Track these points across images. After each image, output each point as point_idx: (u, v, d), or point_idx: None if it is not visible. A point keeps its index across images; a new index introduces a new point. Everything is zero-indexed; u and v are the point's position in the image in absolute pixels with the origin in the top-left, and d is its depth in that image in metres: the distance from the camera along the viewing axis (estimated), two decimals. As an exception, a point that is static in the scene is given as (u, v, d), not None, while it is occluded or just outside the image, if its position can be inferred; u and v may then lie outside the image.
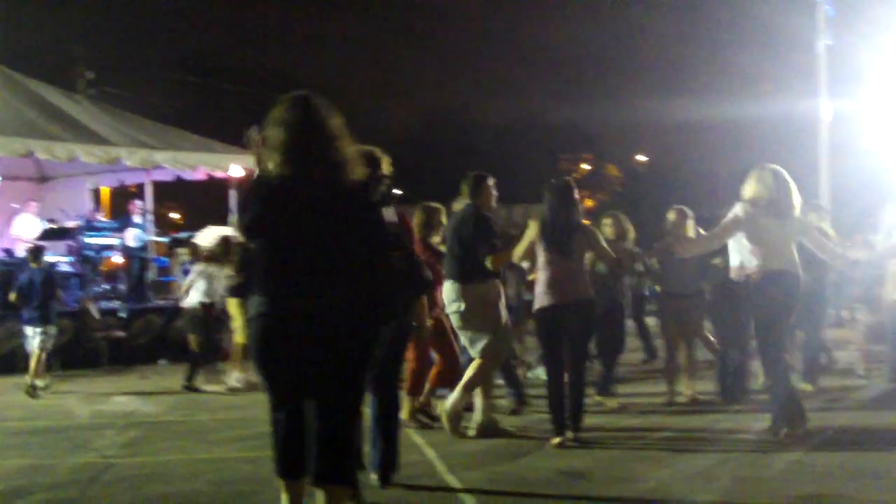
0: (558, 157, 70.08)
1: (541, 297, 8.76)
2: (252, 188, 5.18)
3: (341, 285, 5.04)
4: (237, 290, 12.79)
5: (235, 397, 12.50)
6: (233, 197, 21.60)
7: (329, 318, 5.00)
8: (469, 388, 9.04)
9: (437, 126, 69.06)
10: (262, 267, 5.14)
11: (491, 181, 9.21)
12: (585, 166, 72.14)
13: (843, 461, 7.68)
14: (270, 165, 5.11)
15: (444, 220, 10.09)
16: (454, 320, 9.19)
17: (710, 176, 64.94)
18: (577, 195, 8.93)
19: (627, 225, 11.35)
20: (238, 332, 13.22)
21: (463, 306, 9.01)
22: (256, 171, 5.21)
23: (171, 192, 36.27)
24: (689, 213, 10.85)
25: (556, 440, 8.45)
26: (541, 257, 8.81)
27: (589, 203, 61.77)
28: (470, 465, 7.82)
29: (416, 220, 9.83)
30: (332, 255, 5.05)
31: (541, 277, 8.82)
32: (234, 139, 23.62)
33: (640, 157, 70.11)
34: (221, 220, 18.42)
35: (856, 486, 6.83)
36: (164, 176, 21.81)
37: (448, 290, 9.15)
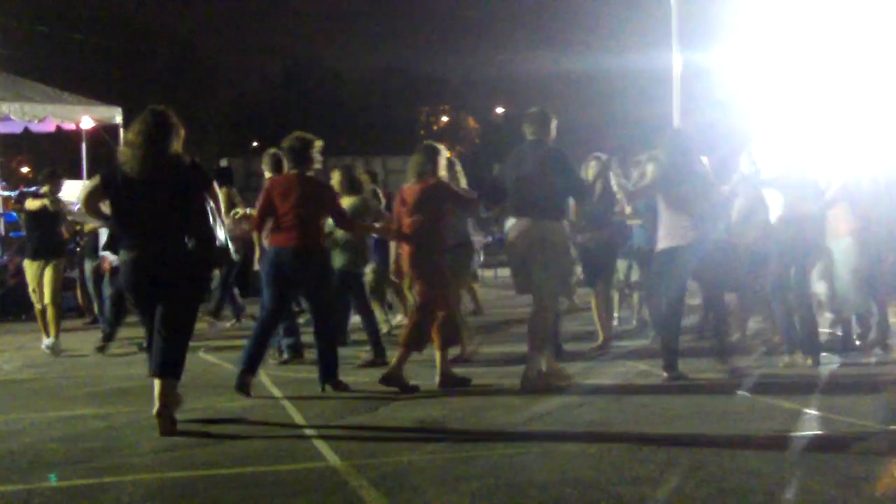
0: (419, 108, 70.12)
1: (661, 240, 9.20)
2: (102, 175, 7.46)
3: (172, 238, 7.24)
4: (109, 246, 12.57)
5: (87, 356, 12.23)
6: (84, 150, 21.11)
7: (165, 259, 7.25)
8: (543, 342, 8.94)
9: (298, 78, 68.41)
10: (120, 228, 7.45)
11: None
12: (445, 118, 72.34)
13: (689, 403, 7.93)
14: (122, 158, 7.30)
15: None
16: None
17: (570, 128, 65.73)
18: (691, 144, 9.52)
19: (362, 176, 11.81)
20: (38, 293, 12.69)
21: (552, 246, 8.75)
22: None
23: (19, 145, 35.19)
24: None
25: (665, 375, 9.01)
26: (661, 202, 9.23)
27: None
28: (328, 417, 7.83)
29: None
30: (166, 217, 7.26)
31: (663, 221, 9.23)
32: (84, 90, 23.07)
33: (499, 109, 70.50)
34: (72, 174, 17.94)
35: (706, 426, 7.06)
36: (12, 128, 21.24)
37: (527, 228, 8.78)
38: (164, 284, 7.28)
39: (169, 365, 7.25)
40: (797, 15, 20.20)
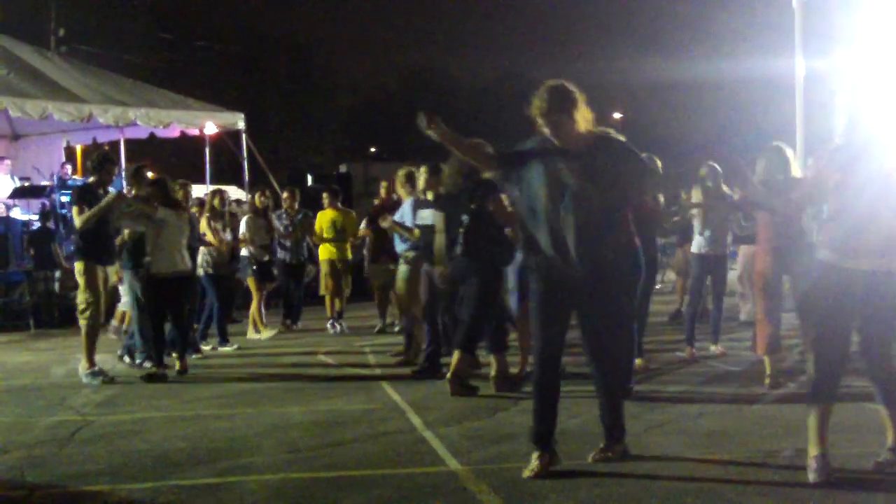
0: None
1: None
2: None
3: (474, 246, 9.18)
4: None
5: (206, 358, 12.33)
6: (207, 154, 21.51)
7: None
8: None
9: (415, 84, 68.82)
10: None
11: None
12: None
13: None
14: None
15: None
16: None
17: (688, 136, 64.83)
18: None
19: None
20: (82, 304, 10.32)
21: None
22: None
23: (145, 150, 36.07)
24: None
25: None
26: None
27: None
28: (448, 421, 7.86)
29: None
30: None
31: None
32: (208, 96, 23.51)
33: (616, 115, 69.83)
34: (195, 178, 18.27)
35: (834, 438, 6.81)
36: (138, 133, 21.77)
37: None
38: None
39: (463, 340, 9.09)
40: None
